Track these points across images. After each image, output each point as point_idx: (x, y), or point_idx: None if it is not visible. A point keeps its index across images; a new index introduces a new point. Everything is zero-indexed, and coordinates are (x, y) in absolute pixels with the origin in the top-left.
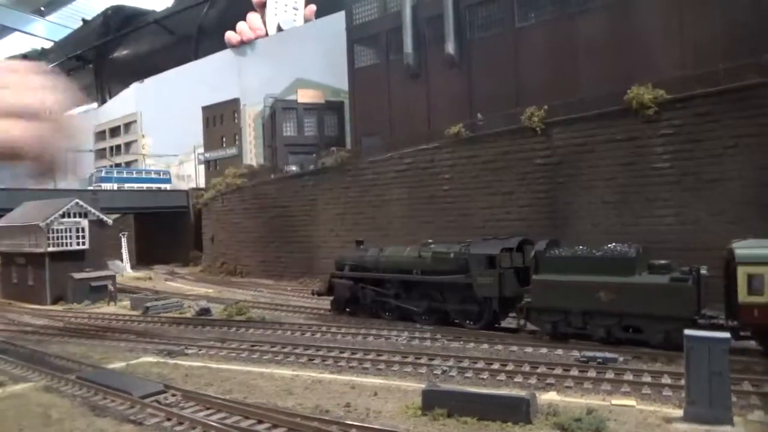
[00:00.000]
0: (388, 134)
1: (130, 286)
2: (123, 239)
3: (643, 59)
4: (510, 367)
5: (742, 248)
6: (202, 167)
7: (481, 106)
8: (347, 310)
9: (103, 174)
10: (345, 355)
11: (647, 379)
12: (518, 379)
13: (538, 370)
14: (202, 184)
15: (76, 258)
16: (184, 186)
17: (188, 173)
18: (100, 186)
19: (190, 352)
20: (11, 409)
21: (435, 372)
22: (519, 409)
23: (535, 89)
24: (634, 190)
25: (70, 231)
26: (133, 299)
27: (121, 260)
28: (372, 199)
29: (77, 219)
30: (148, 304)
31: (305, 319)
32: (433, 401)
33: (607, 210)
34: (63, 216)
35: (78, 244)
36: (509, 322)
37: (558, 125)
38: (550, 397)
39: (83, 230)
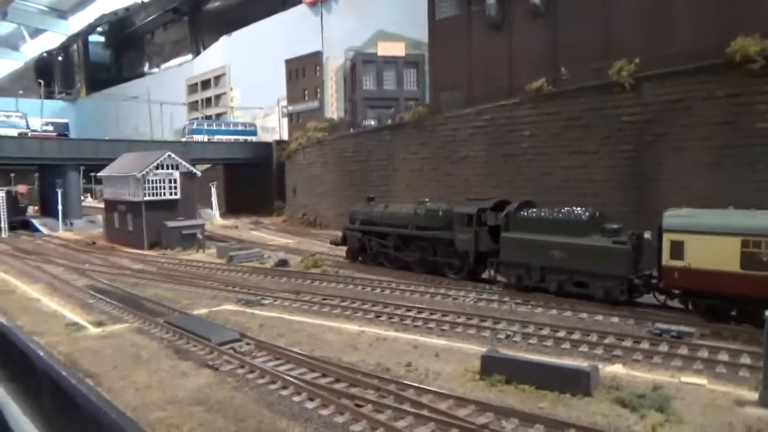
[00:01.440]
0: (467, 89)
1: (218, 234)
2: (212, 189)
3: (749, 6)
4: (576, 335)
5: (670, 217)
6: (285, 120)
7: (566, 60)
8: (360, 258)
9: (194, 126)
10: (411, 313)
11: (723, 357)
12: (583, 348)
13: (606, 341)
14: (285, 136)
15: (169, 207)
16: (268, 138)
17: (272, 125)
18: (192, 138)
19: (266, 302)
20: (109, 347)
21: (498, 336)
22: (578, 381)
23: (626, 41)
24: (732, 151)
25: (164, 182)
26: (219, 248)
27: (211, 208)
28: (448, 155)
29: (170, 170)
30: (232, 254)
31: (375, 275)
32: (492, 367)
33: (700, 172)
34: (157, 168)
35: (170, 194)
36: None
37: (650, 80)
38: (615, 369)
39: (175, 181)
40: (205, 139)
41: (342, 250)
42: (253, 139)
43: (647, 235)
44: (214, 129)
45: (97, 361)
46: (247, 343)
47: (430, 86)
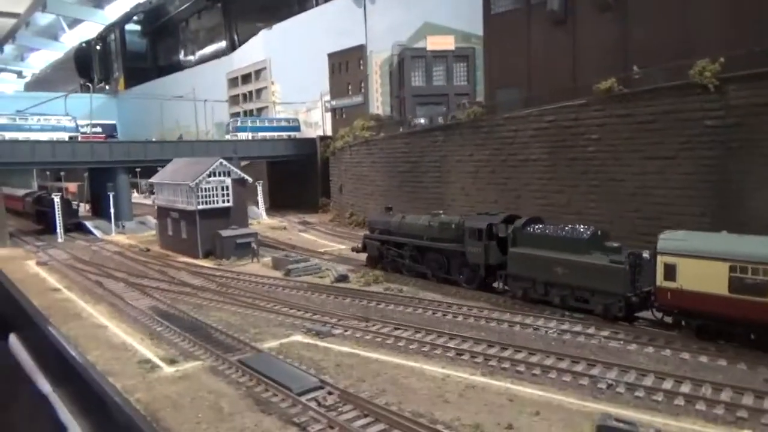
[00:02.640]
0: (526, 88)
1: (269, 237)
2: (258, 187)
3: None
4: (686, 387)
5: (665, 239)
6: (328, 114)
7: (639, 58)
8: (378, 265)
9: (239, 123)
10: (494, 351)
11: None
12: (700, 406)
13: (723, 396)
14: (329, 131)
15: (222, 215)
16: (311, 133)
17: (315, 120)
18: (236, 135)
19: (336, 332)
20: (187, 394)
21: (599, 386)
22: None
23: (708, 38)
24: None
25: (216, 189)
26: (274, 259)
27: (257, 207)
28: (507, 158)
29: (222, 178)
30: (290, 267)
31: (442, 296)
32: None
33: None
34: (210, 175)
35: (223, 201)
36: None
37: (737, 81)
38: None
39: (227, 188)
40: (250, 137)
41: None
42: (297, 134)
43: (646, 254)
44: (258, 126)
45: (178, 414)
46: (330, 393)
47: (485, 84)
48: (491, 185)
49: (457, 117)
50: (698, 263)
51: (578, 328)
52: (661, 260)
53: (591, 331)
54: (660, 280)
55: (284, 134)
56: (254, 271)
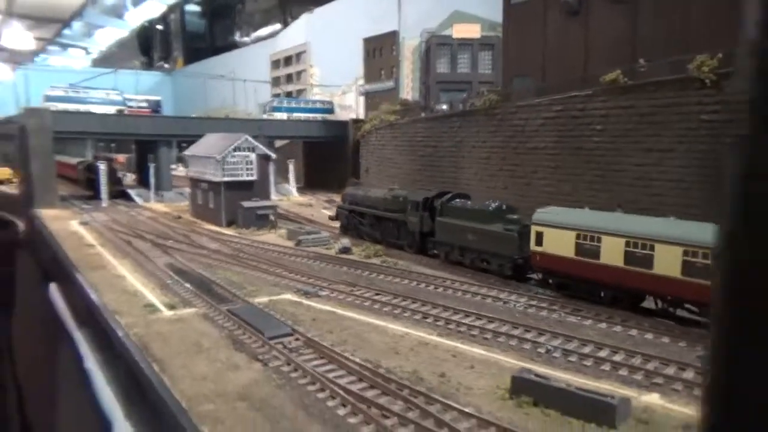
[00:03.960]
0: (541, 77)
1: (292, 212)
2: (290, 165)
3: None
4: (619, 356)
5: (538, 213)
6: (362, 98)
7: (646, 51)
8: (349, 233)
9: (275, 104)
10: (456, 317)
11: None
12: (623, 372)
13: (649, 365)
14: (361, 114)
15: (245, 187)
16: (345, 116)
17: (349, 104)
18: (273, 115)
19: (323, 294)
20: (177, 332)
21: (539, 350)
22: (604, 413)
23: (707, 34)
24: None
25: (241, 163)
26: (289, 231)
27: (289, 184)
28: (517, 145)
29: (247, 153)
30: (301, 238)
31: (431, 269)
32: (521, 388)
33: None
34: (235, 150)
35: (247, 175)
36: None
37: (732, 77)
38: (651, 399)
39: (251, 163)
40: (285, 117)
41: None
42: (331, 117)
43: None
44: (293, 107)
45: (165, 346)
46: (297, 339)
47: (502, 72)
48: (502, 171)
49: (474, 104)
50: (557, 232)
51: (544, 305)
52: (534, 229)
53: (555, 308)
54: (533, 245)
55: (318, 116)
56: (269, 240)
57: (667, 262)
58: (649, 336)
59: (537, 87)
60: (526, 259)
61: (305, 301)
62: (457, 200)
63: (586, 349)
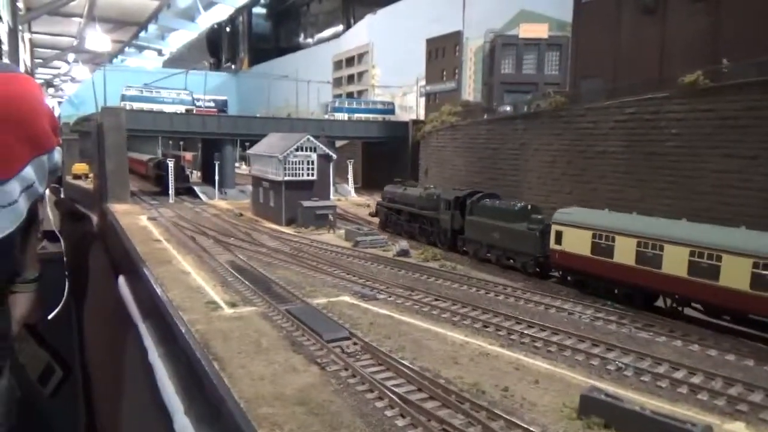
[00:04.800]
0: (612, 79)
1: (350, 212)
2: (350, 165)
3: None
4: (697, 378)
5: (559, 213)
6: (423, 99)
7: (729, 51)
8: (387, 229)
9: (336, 105)
10: (519, 327)
11: None
12: (702, 396)
13: (732, 390)
14: (422, 115)
15: (305, 187)
16: (405, 117)
17: (410, 104)
18: (334, 116)
19: (381, 297)
20: (237, 330)
21: (608, 367)
22: None
23: None
24: None
25: (302, 163)
26: (347, 231)
27: (348, 184)
28: (584, 149)
29: (308, 153)
30: (359, 239)
31: (491, 275)
32: (591, 408)
33: None
34: (297, 150)
35: (308, 174)
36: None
37: None
38: (735, 428)
39: (312, 163)
40: (346, 118)
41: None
42: (391, 117)
43: None
44: (354, 108)
45: (225, 344)
46: (355, 343)
47: (570, 73)
48: (567, 176)
49: (540, 105)
50: (575, 231)
51: (613, 317)
52: (554, 228)
53: (625, 321)
54: (552, 243)
55: (379, 117)
56: (327, 240)
57: (677, 262)
58: (731, 357)
59: (608, 88)
60: (548, 257)
61: (363, 304)
62: (487, 200)
63: (661, 369)
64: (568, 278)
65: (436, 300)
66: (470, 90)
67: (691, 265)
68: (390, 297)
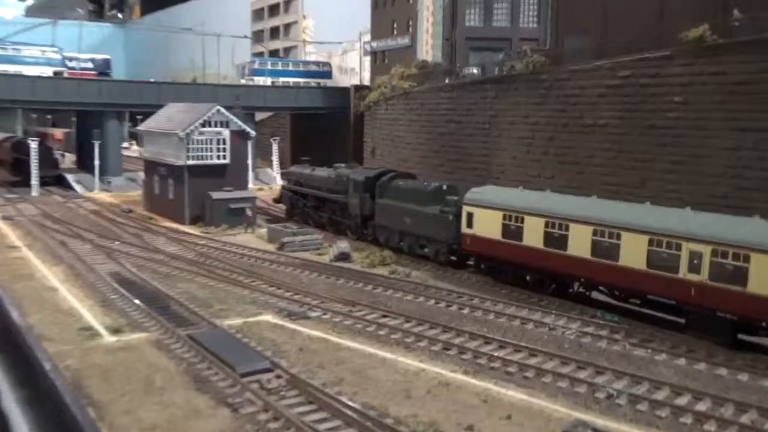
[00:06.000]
0: (601, 34)
1: (275, 206)
2: (274, 145)
3: None
4: (704, 405)
5: (471, 193)
6: (368, 59)
7: (742, 2)
8: (295, 218)
9: (256, 66)
10: (488, 349)
11: None
12: (710, 427)
13: (744, 418)
14: (367, 80)
15: (216, 173)
16: (346, 81)
17: (352, 66)
18: (253, 80)
19: (313, 315)
20: (121, 365)
21: (597, 394)
22: None
23: None
24: None
25: (211, 143)
26: (271, 230)
27: (272, 169)
28: (569, 122)
29: (218, 129)
30: (285, 240)
31: (455, 284)
32: None
33: None
34: (203, 125)
35: (218, 157)
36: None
37: None
38: None
39: (224, 142)
40: (269, 83)
41: None
42: (328, 82)
43: None
44: (279, 70)
45: (106, 384)
46: (278, 376)
47: (551, 27)
48: (548, 156)
49: (515, 67)
50: (486, 213)
51: (604, 332)
52: (465, 210)
53: (618, 336)
54: (464, 227)
55: (312, 81)
56: (245, 242)
57: (581, 243)
58: (744, 377)
59: (597, 47)
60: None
61: (290, 325)
62: (399, 181)
63: (661, 395)
64: (482, 266)
65: (385, 317)
66: (428, 47)
67: (594, 245)
68: (325, 314)
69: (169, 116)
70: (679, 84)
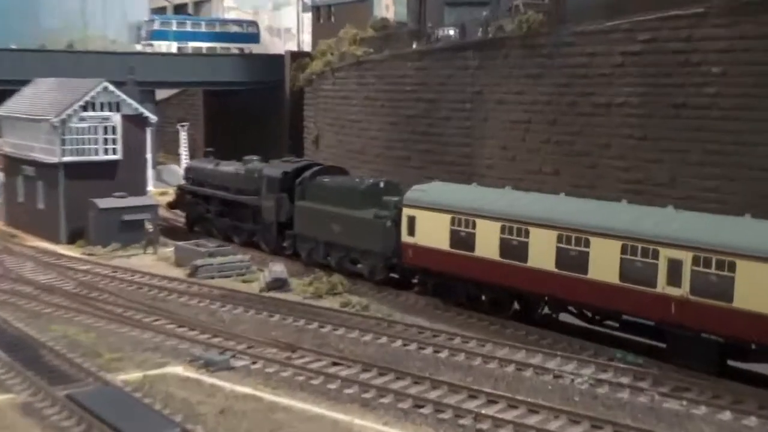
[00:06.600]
0: None
1: (182, 216)
2: (182, 132)
3: None
4: None
5: (413, 191)
6: (308, 17)
7: None
8: (196, 228)
9: (156, 26)
10: (474, 404)
11: None
12: None
13: None
14: (308, 44)
15: (102, 174)
16: (279, 47)
17: (286, 26)
18: (152, 45)
19: (238, 364)
20: None
21: None
22: None
23: None
24: None
25: (95, 132)
26: (179, 249)
27: (180, 164)
28: (577, 100)
29: (105, 113)
30: (199, 262)
31: (429, 320)
32: None
33: None
34: (85, 108)
35: (106, 151)
36: None
37: None
38: None
39: (114, 131)
40: (174, 49)
41: None
42: (254, 48)
43: None
44: (189, 32)
45: None
46: None
47: None
48: (550, 145)
49: (504, 28)
50: (430, 216)
51: (626, 379)
52: (405, 213)
53: (644, 385)
54: (404, 235)
55: (233, 46)
56: (144, 266)
57: (544, 252)
58: None
59: (611, 1)
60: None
61: (207, 379)
62: (325, 177)
63: None
64: (427, 284)
65: (336, 365)
66: (388, 2)
67: (559, 255)
68: (255, 363)
69: (38, 96)
70: (716, 50)
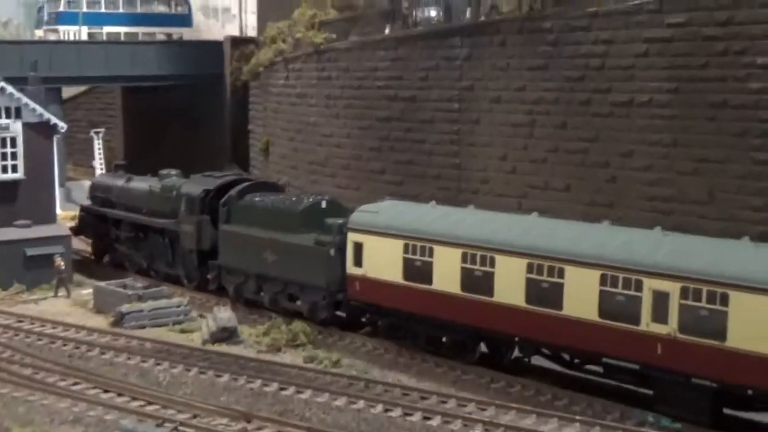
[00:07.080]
0: None
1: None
2: (96, 141)
3: None
4: None
5: (360, 212)
6: None
7: None
8: (104, 258)
9: (62, 7)
10: None
11: None
12: None
13: None
14: (253, 29)
15: (1, 198)
16: (217, 32)
17: (225, 4)
18: (57, 30)
19: None
20: None
21: None
22: None
23: None
24: None
25: None
26: (100, 291)
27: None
28: (592, 97)
29: (2, 121)
30: (125, 309)
31: (417, 380)
32: None
33: None
34: None
35: (5, 169)
36: None
37: None
38: None
39: (13, 143)
40: (85, 35)
41: None
42: (186, 33)
43: None
44: (102, 14)
45: None
46: None
47: None
48: (559, 153)
49: (498, 8)
50: (380, 242)
51: None
52: (351, 239)
53: None
54: (350, 266)
55: (158, 31)
56: (57, 313)
57: (512, 285)
58: None
59: None
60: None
61: None
62: (256, 195)
63: None
64: (378, 324)
65: None
66: None
67: (529, 287)
68: None
69: None
70: (764, 35)
